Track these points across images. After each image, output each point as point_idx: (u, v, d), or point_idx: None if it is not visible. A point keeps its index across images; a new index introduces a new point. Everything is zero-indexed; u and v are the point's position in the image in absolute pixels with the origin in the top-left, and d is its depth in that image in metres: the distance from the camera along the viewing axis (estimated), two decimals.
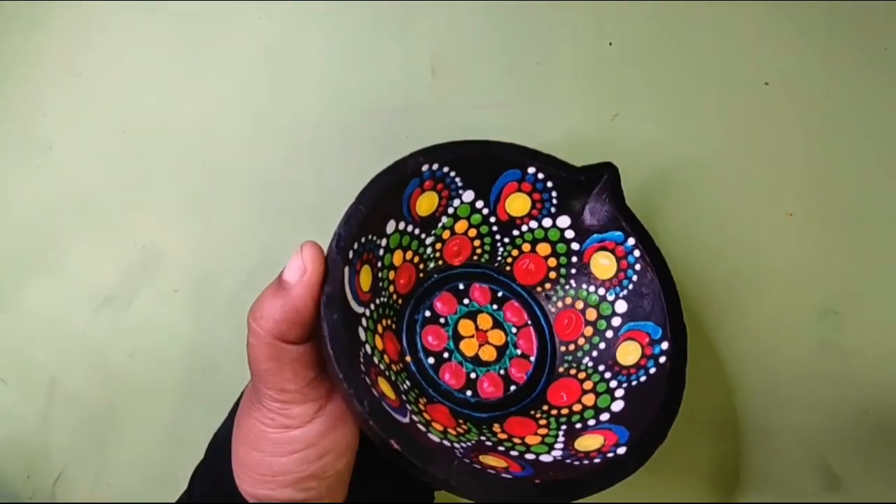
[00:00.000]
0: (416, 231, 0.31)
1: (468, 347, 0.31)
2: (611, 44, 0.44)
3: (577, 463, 0.27)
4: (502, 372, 0.31)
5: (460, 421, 0.30)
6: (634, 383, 0.29)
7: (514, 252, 0.32)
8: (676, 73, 0.44)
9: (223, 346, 0.42)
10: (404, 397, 0.28)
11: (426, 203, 0.30)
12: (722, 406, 0.44)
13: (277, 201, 0.43)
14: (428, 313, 0.31)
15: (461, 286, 0.32)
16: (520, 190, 0.31)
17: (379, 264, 0.29)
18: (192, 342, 0.43)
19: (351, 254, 0.27)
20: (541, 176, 0.30)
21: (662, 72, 0.44)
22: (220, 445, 0.31)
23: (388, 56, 0.43)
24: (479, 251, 0.32)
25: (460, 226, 0.32)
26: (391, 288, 0.30)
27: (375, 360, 0.27)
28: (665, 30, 0.44)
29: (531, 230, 0.32)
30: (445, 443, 0.27)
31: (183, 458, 0.34)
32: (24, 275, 0.42)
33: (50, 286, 0.42)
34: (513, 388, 0.31)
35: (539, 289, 0.33)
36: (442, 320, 0.31)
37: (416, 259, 0.31)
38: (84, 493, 0.42)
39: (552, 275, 0.32)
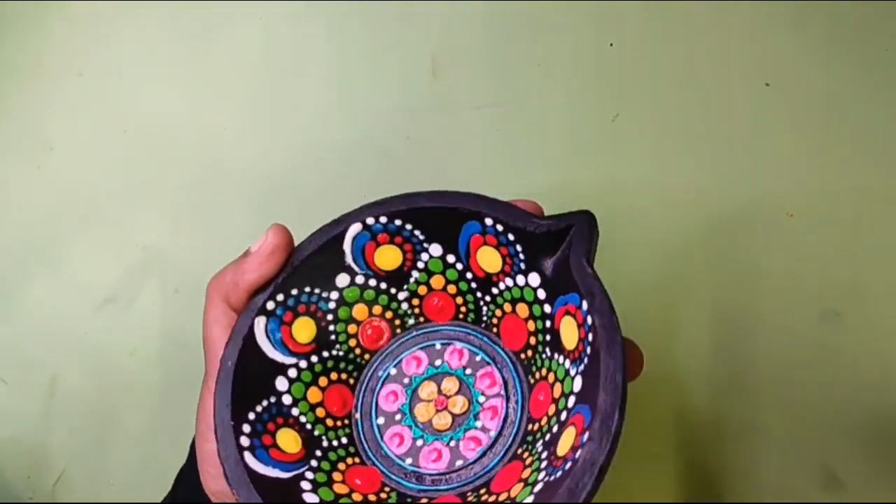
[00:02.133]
0: (383, 286, 0.30)
1: (422, 413, 0.29)
2: (611, 44, 0.44)
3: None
4: (452, 444, 0.28)
5: (386, 489, 0.28)
6: (555, 476, 0.24)
7: (498, 312, 0.30)
8: (676, 74, 0.44)
9: None
10: (318, 453, 0.27)
11: (388, 257, 0.29)
12: (722, 407, 0.44)
13: (277, 201, 0.43)
14: (393, 371, 0.30)
15: (438, 346, 0.30)
16: (486, 243, 0.28)
17: (329, 317, 0.29)
18: (192, 342, 0.43)
19: (271, 304, 0.27)
20: (500, 228, 0.28)
21: (662, 72, 0.44)
22: (194, 447, 0.31)
23: (388, 57, 0.43)
24: (463, 309, 0.30)
25: (436, 281, 0.30)
26: (352, 342, 0.30)
27: (294, 411, 0.27)
28: (665, 30, 0.44)
29: (508, 288, 0.29)
30: None
31: (183, 459, 0.34)
32: (25, 274, 0.42)
33: (51, 286, 0.42)
34: (458, 462, 0.28)
35: (522, 356, 0.29)
36: (406, 380, 0.30)
37: (390, 315, 0.30)
38: (84, 493, 0.42)
39: (532, 340, 0.29)
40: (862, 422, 0.44)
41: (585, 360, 0.25)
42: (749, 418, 0.44)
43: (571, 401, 0.25)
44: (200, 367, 0.43)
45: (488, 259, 0.29)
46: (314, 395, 0.28)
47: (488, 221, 0.28)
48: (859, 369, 0.44)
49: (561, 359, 0.27)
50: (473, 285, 0.30)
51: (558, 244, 0.26)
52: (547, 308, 0.28)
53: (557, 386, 0.26)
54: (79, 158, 0.42)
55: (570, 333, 0.26)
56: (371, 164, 0.43)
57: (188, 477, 0.32)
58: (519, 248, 0.28)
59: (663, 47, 0.44)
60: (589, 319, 0.25)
